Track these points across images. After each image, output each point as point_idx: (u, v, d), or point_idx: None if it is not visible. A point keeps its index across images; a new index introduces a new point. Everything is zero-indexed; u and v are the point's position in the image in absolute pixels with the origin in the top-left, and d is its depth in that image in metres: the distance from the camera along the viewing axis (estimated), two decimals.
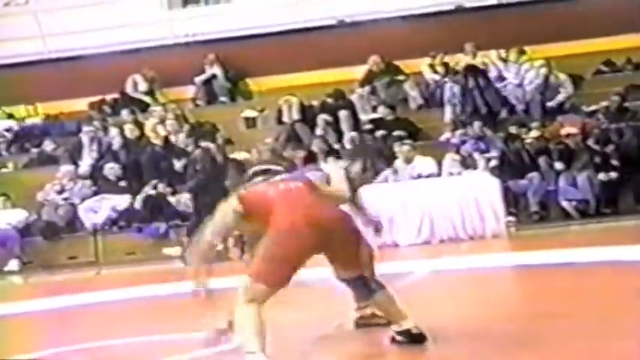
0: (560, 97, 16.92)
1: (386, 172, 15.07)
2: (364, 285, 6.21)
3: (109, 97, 19.64)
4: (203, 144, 16.63)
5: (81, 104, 19.57)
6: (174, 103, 19.22)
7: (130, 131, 18.16)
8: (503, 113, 17.18)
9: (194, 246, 6.14)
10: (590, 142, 15.55)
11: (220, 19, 19.48)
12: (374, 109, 17.57)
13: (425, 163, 15.28)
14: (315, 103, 18.07)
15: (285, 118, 18.05)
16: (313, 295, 8.99)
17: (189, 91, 19.67)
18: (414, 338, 6.21)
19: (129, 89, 19.63)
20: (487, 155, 15.86)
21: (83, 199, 17.14)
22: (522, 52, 17.81)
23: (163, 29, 19.70)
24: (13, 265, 16.54)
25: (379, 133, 16.76)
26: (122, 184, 17.30)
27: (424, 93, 18.04)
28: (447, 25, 18.27)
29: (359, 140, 16.64)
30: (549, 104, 16.94)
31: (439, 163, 15.47)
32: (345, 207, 6.40)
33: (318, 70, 18.62)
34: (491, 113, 16.77)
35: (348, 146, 16.50)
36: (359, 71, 18.34)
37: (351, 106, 17.55)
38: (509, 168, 15.55)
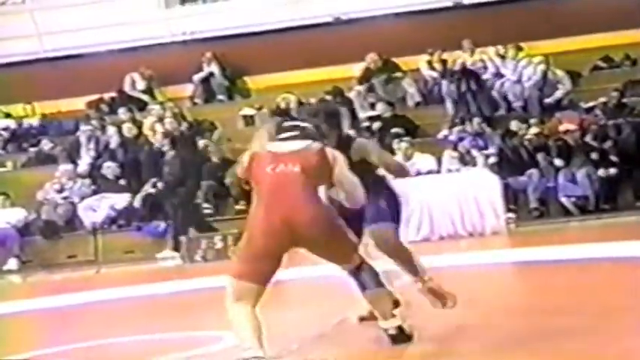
0: (558, 94, 16.91)
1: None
2: (356, 279, 6.18)
3: (106, 95, 19.62)
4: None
5: (79, 103, 19.55)
6: (172, 101, 19.20)
7: (128, 130, 18.15)
8: (502, 111, 17.19)
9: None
10: (589, 138, 15.55)
11: (218, 17, 19.46)
12: (372, 106, 17.56)
13: (424, 160, 15.28)
14: (312, 100, 18.04)
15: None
16: (314, 291, 9.01)
17: (187, 89, 19.66)
18: (398, 338, 6.17)
19: (127, 88, 19.61)
20: (486, 152, 15.87)
21: (82, 198, 17.14)
22: (519, 49, 17.80)
23: (161, 27, 19.68)
24: (13, 264, 16.54)
25: (377, 129, 16.74)
26: (121, 182, 17.30)
27: (422, 90, 18.03)
28: (444, 22, 18.25)
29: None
30: (547, 101, 16.93)
31: (438, 160, 15.47)
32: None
33: (316, 68, 18.60)
34: (483, 117, 16.72)
35: None
36: (357, 69, 18.32)
37: (349, 104, 17.54)
38: (508, 165, 15.55)
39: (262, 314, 5.79)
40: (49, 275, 15.50)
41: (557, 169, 15.32)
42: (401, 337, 6.16)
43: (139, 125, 18.32)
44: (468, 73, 17.33)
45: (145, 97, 19.42)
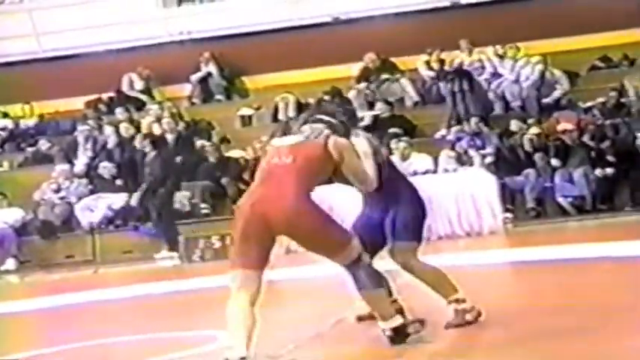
0: (556, 94, 16.92)
1: None
2: (354, 276, 6.18)
3: (104, 95, 19.62)
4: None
5: (76, 103, 19.55)
6: (170, 101, 19.20)
7: (125, 130, 18.14)
8: (498, 110, 17.21)
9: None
10: (586, 138, 15.56)
11: (215, 17, 19.46)
12: (371, 106, 17.55)
13: (421, 160, 15.28)
14: (311, 100, 18.06)
15: (281, 116, 18.05)
16: (311, 291, 9.01)
17: (185, 89, 19.66)
18: (396, 338, 6.18)
19: (125, 88, 19.61)
20: (483, 152, 15.88)
21: (79, 198, 17.12)
22: (517, 49, 17.81)
23: (158, 27, 19.68)
24: (10, 264, 16.53)
25: (375, 129, 16.74)
26: (118, 182, 17.28)
27: (420, 90, 18.04)
28: (442, 22, 18.26)
29: None
30: (545, 100, 16.94)
31: (435, 160, 15.48)
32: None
33: (314, 68, 18.60)
34: (480, 117, 16.72)
35: None
36: (355, 68, 18.33)
37: (348, 104, 17.52)
38: (505, 164, 15.57)
39: (260, 313, 5.79)
40: (46, 275, 15.50)
41: (554, 169, 15.33)
42: (398, 338, 6.16)
43: (136, 125, 18.31)
44: (460, 74, 17.35)
45: (143, 97, 19.42)
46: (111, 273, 15.16)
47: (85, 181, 17.53)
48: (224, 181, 16.54)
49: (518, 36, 17.76)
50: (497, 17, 18.01)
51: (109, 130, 18.29)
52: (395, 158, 15.28)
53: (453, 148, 15.90)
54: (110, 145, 18.10)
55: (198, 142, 17.61)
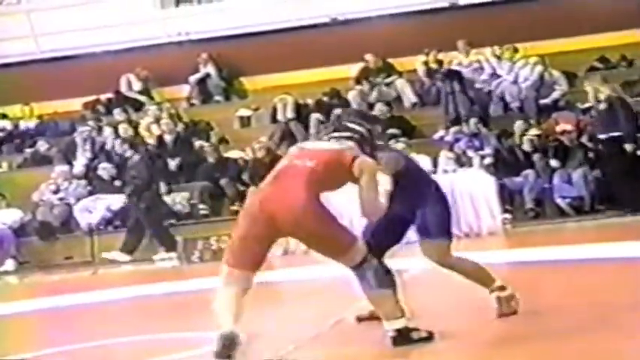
0: (555, 95, 16.93)
1: None
2: (360, 277, 6.21)
3: (103, 97, 19.62)
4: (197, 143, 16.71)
5: (75, 104, 19.55)
6: (168, 102, 19.20)
7: (124, 131, 18.14)
8: (498, 110, 17.23)
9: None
10: (585, 139, 15.56)
11: (213, 18, 19.47)
12: (370, 107, 17.55)
13: (419, 161, 15.26)
14: (310, 101, 18.07)
15: (280, 117, 18.05)
16: (311, 292, 9.01)
17: (183, 90, 19.66)
18: (398, 340, 6.19)
19: (123, 89, 19.61)
20: (481, 153, 15.89)
21: (78, 199, 17.12)
22: (515, 50, 17.82)
23: (156, 28, 19.69)
24: (9, 265, 16.53)
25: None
26: (117, 183, 17.27)
27: (418, 91, 18.04)
28: (441, 23, 18.27)
29: None
30: (544, 101, 16.94)
31: (434, 161, 15.48)
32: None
33: (313, 69, 18.61)
34: (479, 117, 16.74)
35: None
36: (353, 69, 18.33)
37: (346, 105, 17.54)
38: (504, 165, 15.56)
39: (260, 314, 5.81)
40: (45, 276, 15.49)
41: (553, 170, 15.33)
42: (401, 339, 6.17)
43: (135, 126, 18.31)
44: (450, 75, 17.38)
45: (142, 98, 19.42)
46: (110, 274, 15.16)
47: (83, 182, 17.54)
48: (223, 181, 16.55)
49: (517, 37, 17.76)
50: (495, 18, 18.02)
51: (107, 131, 18.29)
52: None
53: (451, 149, 15.91)
54: (109, 146, 18.10)
55: (197, 143, 17.62)
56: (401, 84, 17.99)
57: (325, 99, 17.94)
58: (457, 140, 16.18)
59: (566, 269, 9.51)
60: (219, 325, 5.88)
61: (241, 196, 15.28)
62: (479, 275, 6.89)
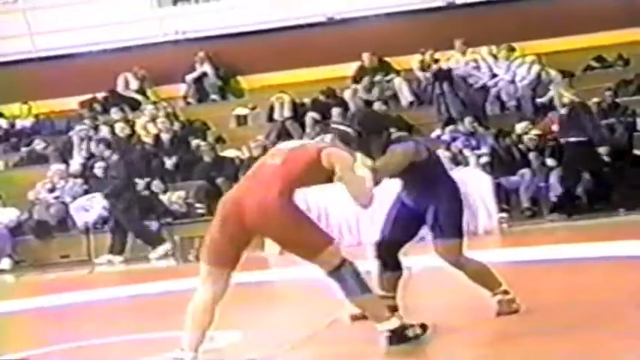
0: (551, 94, 16.92)
1: None
2: (340, 283, 6.15)
3: (99, 95, 19.60)
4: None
5: (71, 103, 19.54)
6: (165, 101, 19.19)
7: (121, 129, 18.14)
8: (496, 110, 17.24)
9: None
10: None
11: (211, 17, 19.46)
12: (368, 105, 17.54)
13: None
14: (306, 100, 18.07)
15: (277, 116, 18.05)
16: (306, 292, 9.01)
17: (180, 89, 19.65)
18: (393, 339, 6.18)
19: (120, 88, 19.60)
20: (478, 152, 15.89)
21: (74, 198, 17.11)
22: (512, 49, 17.82)
23: (153, 27, 19.67)
24: (5, 263, 16.51)
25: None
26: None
27: (415, 90, 18.05)
28: (437, 22, 18.27)
29: None
30: (540, 100, 16.95)
31: None
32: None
33: (309, 68, 18.60)
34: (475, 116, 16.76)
35: None
36: (350, 68, 18.33)
37: (343, 104, 17.55)
38: (500, 164, 15.57)
39: (254, 314, 5.81)
40: (41, 275, 15.48)
41: (550, 169, 15.33)
42: (396, 338, 6.16)
43: (131, 125, 18.31)
44: (439, 76, 17.41)
45: (139, 97, 19.41)
46: (106, 273, 15.15)
47: (80, 180, 17.51)
48: (219, 181, 16.54)
49: (513, 36, 17.77)
50: (492, 17, 18.02)
51: (104, 130, 18.28)
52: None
53: (448, 148, 15.91)
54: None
55: (194, 142, 17.61)
56: (399, 83, 18.00)
57: (322, 98, 17.93)
58: (454, 139, 16.18)
59: (562, 268, 9.52)
60: (184, 332, 5.97)
61: None
62: (485, 279, 6.85)
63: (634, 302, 6.91)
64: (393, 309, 6.59)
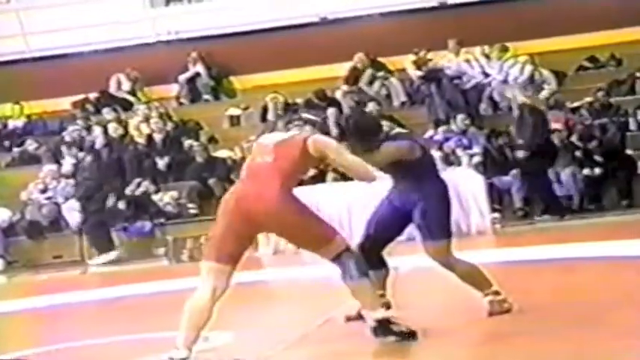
0: (544, 94, 16.94)
1: None
2: (340, 267, 6.24)
3: (92, 95, 19.57)
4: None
5: (64, 103, 19.50)
6: (157, 101, 19.17)
7: (114, 129, 18.12)
8: (489, 110, 17.26)
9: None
10: (574, 138, 15.58)
11: (203, 17, 19.43)
12: (361, 106, 17.53)
13: None
14: (299, 100, 18.06)
15: (270, 116, 18.03)
16: (300, 292, 9.01)
17: (172, 89, 19.63)
18: (378, 330, 6.22)
19: (113, 89, 19.57)
20: (470, 152, 15.90)
21: (67, 199, 17.08)
22: (505, 49, 17.83)
23: (146, 27, 19.64)
24: None
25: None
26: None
27: (408, 90, 18.05)
28: (430, 22, 18.28)
29: None
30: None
31: None
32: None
33: (302, 68, 18.59)
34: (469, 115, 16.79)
35: None
36: (343, 68, 18.33)
37: (336, 104, 17.53)
38: (493, 164, 15.57)
39: (248, 314, 5.81)
40: (34, 276, 15.46)
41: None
42: (381, 330, 6.20)
43: (124, 125, 18.29)
44: (430, 77, 17.43)
45: (132, 98, 19.38)
46: (99, 273, 15.14)
47: (72, 181, 17.49)
48: (211, 181, 16.53)
49: (506, 36, 17.76)
50: (485, 17, 18.02)
51: (97, 130, 18.25)
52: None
53: (440, 149, 15.91)
54: (98, 145, 18.07)
55: (186, 142, 17.60)
56: (395, 82, 18.00)
57: (314, 98, 17.91)
58: (446, 139, 16.18)
59: (555, 268, 9.54)
60: (180, 330, 5.99)
61: None
62: (476, 279, 6.87)
63: (626, 302, 6.93)
64: (387, 307, 6.61)
